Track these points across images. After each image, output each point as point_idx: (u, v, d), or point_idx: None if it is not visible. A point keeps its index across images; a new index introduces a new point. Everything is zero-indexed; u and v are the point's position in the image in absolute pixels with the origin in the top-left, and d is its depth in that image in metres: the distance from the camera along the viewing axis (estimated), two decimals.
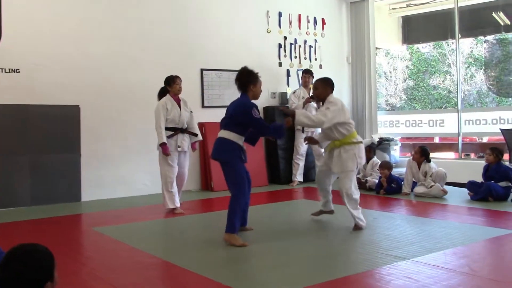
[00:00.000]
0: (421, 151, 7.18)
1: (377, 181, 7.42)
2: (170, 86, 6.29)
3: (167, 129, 6.25)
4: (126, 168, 7.34)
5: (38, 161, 6.90)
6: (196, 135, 6.52)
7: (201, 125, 8.27)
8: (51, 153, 6.99)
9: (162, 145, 6.16)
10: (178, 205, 6.30)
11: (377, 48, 10.59)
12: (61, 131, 7.07)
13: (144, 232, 5.43)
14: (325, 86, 5.21)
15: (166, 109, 6.21)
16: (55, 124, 7.03)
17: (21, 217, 6.00)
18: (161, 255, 4.28)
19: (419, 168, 7.14)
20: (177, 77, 6.34)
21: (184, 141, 6.36)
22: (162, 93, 6.40)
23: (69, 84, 7.16)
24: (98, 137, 7.37)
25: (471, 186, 6.74)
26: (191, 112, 6.51)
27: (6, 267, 1.90)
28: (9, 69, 6.81)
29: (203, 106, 8.37)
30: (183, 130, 6.36)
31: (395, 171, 7.80)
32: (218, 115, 8.38)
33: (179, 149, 6.30)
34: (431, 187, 6.91)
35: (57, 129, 7.04)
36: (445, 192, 6.87)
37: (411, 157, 7.43)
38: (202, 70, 8.38)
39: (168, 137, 6.24)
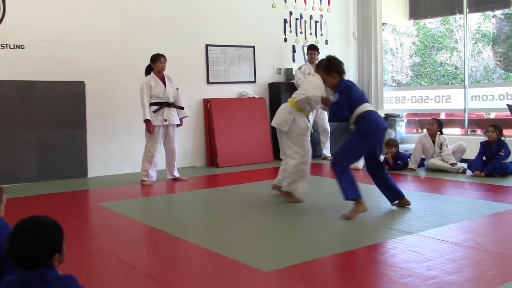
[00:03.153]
0: (438, 122, 7.17)
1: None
2: (154, 63, 6.58)
3: (153, 104, 6.50)
4: (132, 144, 7.35)
5: (44, 137, 6.92)
6: (182, 108, 6.72)
7: (207, 101, 8.27)
8: (57, 129, 7.01)
9: (146, 122, 6.44)
10: (150, 179, 6.59)
11: (383, 24, 10.46)
12: (67, 107, 7.07)
13: (150, 207, 5.49)
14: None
15: (150, 86, 6.48)
16: (61, 100, 7.02)
17: (28, 193, 6.04)
18: (167, 229, 4.32)
19: (434, 142, 7.10)
20: (161, 55, 6.58)
21: (171, 115, 6.62)
22: (148, 70, 6.64)
23: (74, 60, 7.13)
24: (104, 113, 7.37)
25: (473, 165, 6.72)
26: (177, 88, 6.72)
27: (15, 239, 1.91)
28: (14, 45, 6.79)
29: (208, 82, 8.34)
30: (169, 104, 6.57)
31: (401, 148, 7.78)
32: (223, 91, 8.46)
33: (165, 122, 6.55)
34: (451, 164, 6.86)
35: (63, 105, 7.04)
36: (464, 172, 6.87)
37: (425, 131, 7.35)
38: (207, 46, 8.33)
39: (155, 111, 6.48)
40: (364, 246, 3.69)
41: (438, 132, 7.12)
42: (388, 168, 7.14)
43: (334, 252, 3.59)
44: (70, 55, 7.12)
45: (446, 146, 7.02)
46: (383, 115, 9.13)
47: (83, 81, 7.18)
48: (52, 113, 6.98)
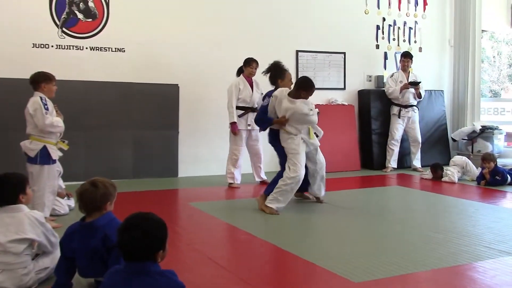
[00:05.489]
0: None
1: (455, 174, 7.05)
2: (245, 67, 6.70)
3: (238, 108, 6.62)
4: (220, 147, 7.47)
5: (139, 136, 7.23)
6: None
7: None
8: (151, 129, 7.29)
9: (232, 124, 6.55)
10: (236, 181, 6.68)
11: (483, 31, 9.94)
12: (161, 109, 7.35)
13: (238, 209, 5.54)
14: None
15: (239, 89, 6.60)
16: (156, 101, 7.31)
17: (124, 189, 6.29)
18: (255, 232, 4.35)
19: None
20: (253, 61, 6.69)
21: None
22: (239, 72, 6.79)
23: (169, 64, 7.40)
24: (195, 115, 7.58)
25: None
26: (261, 94, 6.73)
27: (125, 233, 2.01)
28: (115, 48, 7.17)
29: None
30: (253, 109, 6.65)
31: (499, 162, 7.30)
32: (311, 97, 8.31)
33: (249, 127, 6.67)
34: None
35: (157, 106, 7.32)
36: None
37: None
38: (297, 51, 8.34)
39: (240, 116, 6.60)
40: (460, 264, 3.51)
41: None
42: (485, 183, 6.75)
43: (428, 267, 3.43)
44: (166, 59, 7.40)
45: None
46: (479, 127, 8.70)
47: (177, 84, 7.44)
48: (147, 114, 7.28)
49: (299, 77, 8.19)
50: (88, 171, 6.49)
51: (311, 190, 5.54)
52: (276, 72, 5.75)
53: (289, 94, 5.13)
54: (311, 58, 8.45)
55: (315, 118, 5.17)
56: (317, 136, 5.34)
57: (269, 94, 5.46)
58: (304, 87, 5.12)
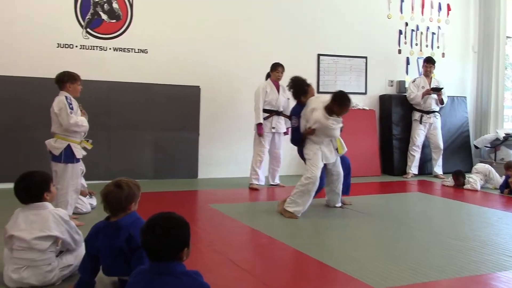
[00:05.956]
0: None
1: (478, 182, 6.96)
2: (272, 71, 6.82)
3: (264, 110, 6.73)
4: (240, 149, 7.51)
5: (160, 138, 7.28)
6: (289, 117, 6.69)
7: None
8: (172, 131, 7.34)
9: (258, 125, 6.67)
10: (260, 182, 6.80)
11: (507, 37, 9.79)
12: (182, 110, 7.39)
13: (258, 212, 5.53)
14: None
15: (266, 91, 6.71)
16: (177, 103, 7.35)
17: (144, 189, 6.31)
18: (275, 236, 4.34)
19: None
20: (279, 65, 6.79)
21: (279, 123, 6.83)
22: (268, 76, 6.90)
23: (191, 66, 7.45)
24: (215, 118, 7.61)
25: None
26: (288, 98, 6.80)
27: (149, 233, 2.02)
28: (138, 49, 7.24)
29: (318, 91, 8.29)
30: (278, 113, 6.78)
31: None
32: None
33: (273, 130, 6.78)
34: None
35: (179, 108, 7.37)
36: None
37: None
38: (319, 55, 8.32)
39: (265, 118, 6.71)
40: (483, 273, 3.46)
41: None
42: (508, 192, 6.65)
43: (449, 275, 3.39)
44: (188, 61, 7.44)
45: None
46: (502, 135, 8.57)
47: (198, 86, 7.47)
48: (168, 115, 7.32)
49: (320, 80, 8.27)
50: (110, 171, 6.57)
51: (326, 198, 5.61)
52: (298, 89, 5.65)
53: (325, 108, 5.10)
54: (333, 62, 8.42)
55: (337, 132, 5.15)
56: (338, 152, 5.33)
57: (294, 113, 5.41)
58: (339, 101, 5.07)
